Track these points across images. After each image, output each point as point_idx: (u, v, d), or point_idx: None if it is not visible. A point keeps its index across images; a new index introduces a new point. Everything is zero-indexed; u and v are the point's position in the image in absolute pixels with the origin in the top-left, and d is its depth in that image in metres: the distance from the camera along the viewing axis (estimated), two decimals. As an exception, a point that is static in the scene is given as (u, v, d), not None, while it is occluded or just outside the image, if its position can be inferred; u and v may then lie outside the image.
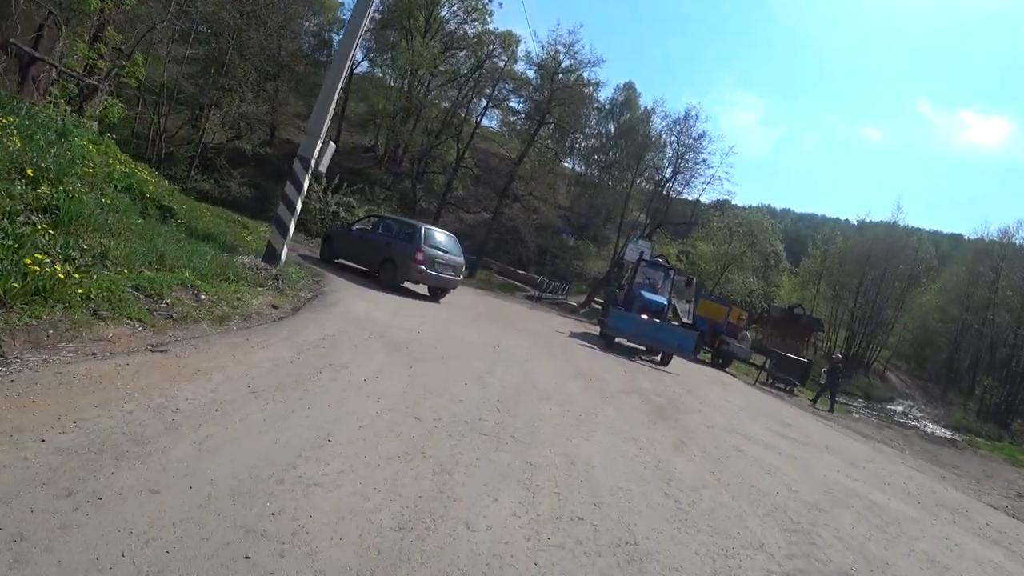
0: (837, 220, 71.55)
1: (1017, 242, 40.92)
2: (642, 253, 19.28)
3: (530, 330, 14.92)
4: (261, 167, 36.80)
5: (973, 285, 40.87)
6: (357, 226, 16.47)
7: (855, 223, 49.71)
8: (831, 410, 20.04)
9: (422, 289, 15.90)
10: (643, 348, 17.35)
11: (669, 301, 17.72)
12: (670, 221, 34.47)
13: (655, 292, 18.07)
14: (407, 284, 15.59)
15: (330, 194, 22.86)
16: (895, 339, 42.30)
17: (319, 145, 11.59)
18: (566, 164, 53.36)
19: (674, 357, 16.54)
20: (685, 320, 17.85)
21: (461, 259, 15.23)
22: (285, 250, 11.55)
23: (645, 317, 16.31)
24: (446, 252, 14.75)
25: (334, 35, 41.87)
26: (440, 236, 15.08)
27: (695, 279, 19.20)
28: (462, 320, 12.77)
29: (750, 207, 36.61)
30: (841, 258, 42.20)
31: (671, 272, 18.86)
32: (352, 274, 15.15)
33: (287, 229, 11.47)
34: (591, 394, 8.68)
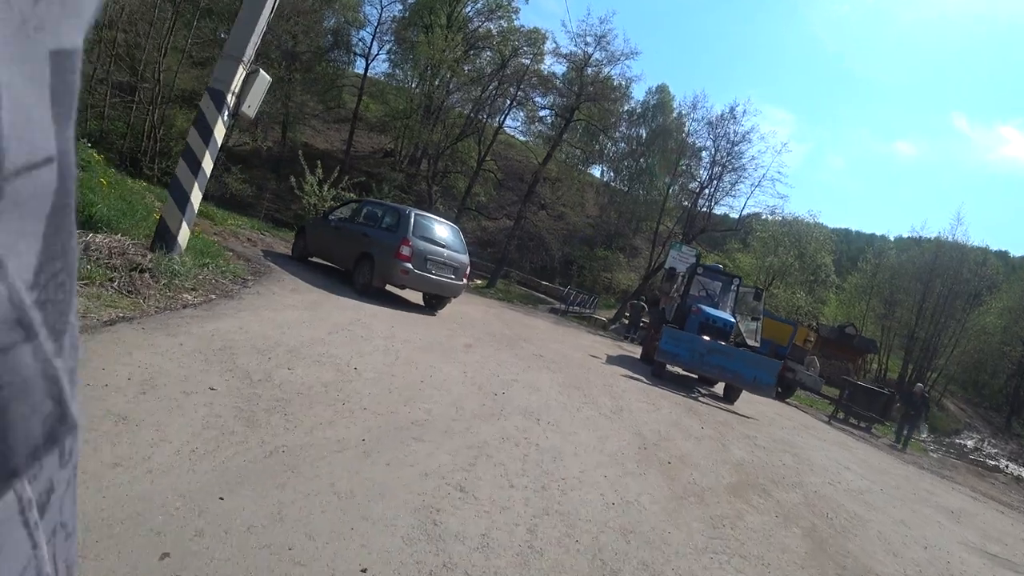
0: (873, 235, 65.66)
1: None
2: (698, 259, 14.57)
3: (556, 356, 10.36)
4: (271, 167, 32.98)
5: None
6: (335, 214, 12.12)
7: (906, 237, 44.19)
8: (903, 446, 15.63)
9: (416, 297, 11.51)
10: (695, 376, 12.74)
11: (735, 319, 13.05)
12: (713, 229, 29.67)
13: (716, 307, 13.43)
14: (394, 290, 11.23)
15: (326, 187, 18.59)
16: (952, 363, 36.70)
17: (240, 72, 7.26)
18: (594, 172, 48.83)
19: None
20: (751, 342, 13.06)
21: (464, 257, 10.77)
22: (184, 231, 7.20)
23: (707, 339, 11.68)
24: (443, 247, 10.33)
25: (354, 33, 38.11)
26: (436, 226, 10.66)
27: (763, 292, 14.34)
28: (456, 343, 8.28)
29: (794, 216, 31.48)
30: (894, 273, 36.84)
31: (736, 282, 14.17)
32: (325, 275, 10.85)
33: (188, 199, 7.13)
34: (688, 511, 4.11)
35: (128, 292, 5.46)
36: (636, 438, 5.79)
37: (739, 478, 5.56)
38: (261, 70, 7.60)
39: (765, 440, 8.51)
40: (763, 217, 29.17)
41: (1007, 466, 26.04)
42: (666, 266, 23.02)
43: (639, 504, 3.82)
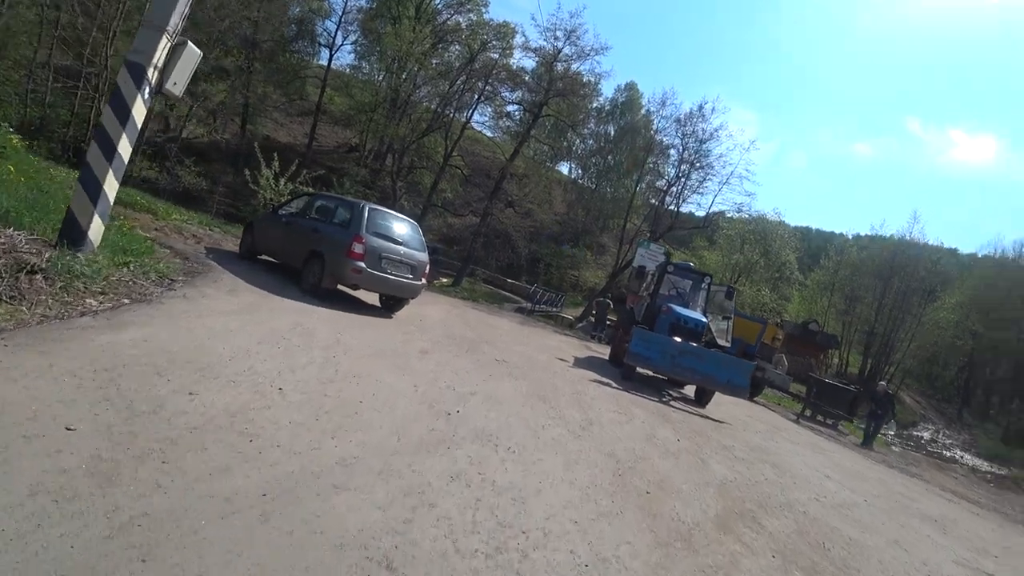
0: (832, 233, 66.63)
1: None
2: (668, 257, 13.99)
3: (521, 361, 9.62)
4: (231, 161, 31.48)
5: (997, 301, 35.94)
6: (286, 209, 11.16)
7: (864, 235, 44.67)
8: (868, 444, 15.19)
9: (373, 299, 10.65)
10: (664, 378, 12.19)
11: (706, 318, 12.49)
12: (680, 227, 29.24)
13: (686, 306, 12.86)
14: (350, 291, 10.36)
15: (283, 181, 17.49)
16: (908, 357, 37.16)
17: (164, 44, 6.31)
18: (562, 170, 48.22)
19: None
20: (722, 342, 12.53)
21: (423, 256, 9.93)
22: (97, 225, 6.23)
23: (678, 340, 11.09)
24: (400, 245, 9.49)
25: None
26: (393, 222, 9.81)
27: (735, 290, 13.82)
28: (411, 349, 7.47)
29: (760, 215, 31.23)
30: (855, 270, 37.11)
31: (707, 280, 13.60)
32: (272, 275, 9.94)
33: (100, 189, 6.15)
34: (677, 564, 3.39)
35: (10, 298, 4.53)
36: (609, 461, 5.07)
37: (725, 504, 4.89)
38: (190, 42, 6.64)
39: (742, 450, 7.91)
40: (729, 215, 28.89)
41: (962, 456, 26.43)
42: (634, 264, 22.49)
43: (618, 562, 3.09)
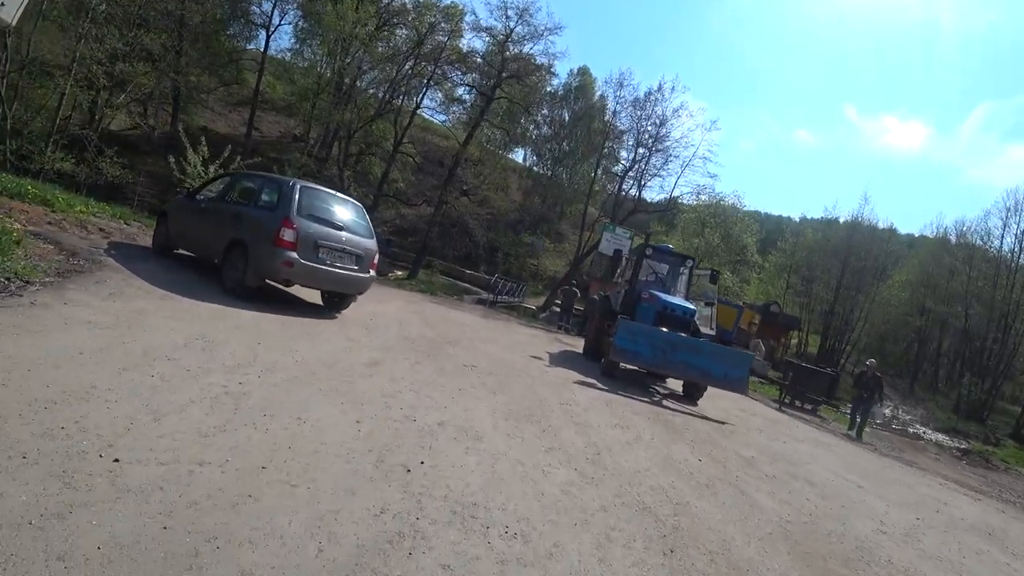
0: (780, 217, 67.10)
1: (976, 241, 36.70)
2: (647, 239, 12.49)
3: (493, 364, 7.94)
4: (164, 153, 28.56)
5: (944, 278, 36.15)
6: (205, 193, 9.14)
7: (815, 218, 44.63)
8: (857, 433, 13.64)
9: (314, 296, 8.80)
10: (647, 372, 10.80)
11: (694, 305, 11.08)
12: (642, 210, 27.96)
13: (667, 292, 11.43)
14: (286, 288, 8.48)
15: (212, 168, 15.25)
16: (862, 335, 37.18)
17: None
18: (516, 158, 46.48)
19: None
20: (706, 330, 11.13)
21: (370, 243, 8.10)
22: None
23: (666, 331, 9.63)
24: (341, 230, 7.65)
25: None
26: (331, 204, 7.95)
27: (719, 273, 12.46)
28: (356, 360, 5.71)
29: (720, 197, 30.16)
30: (811, 252, 36.75)
31: (689, 264, 12.18)
32: (189, 272, 8.04)
33: None
34: None
35: None
36: (646, 521, 3.47)
37: (806, 568, 3.37)
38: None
39: (765, 462, 6.47)
40: (688, 201, 27.71)
41: (924, 432, 26.19)
42: (599, 249, 21.10)
43: None
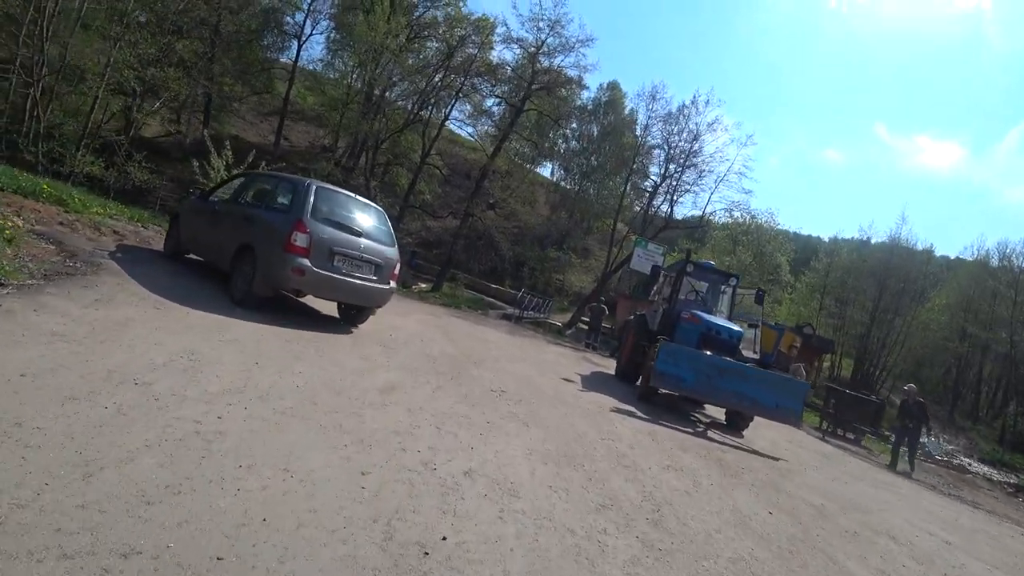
0: (810, 237, 65.11)
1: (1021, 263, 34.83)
2: (688, 255, 11.50)
3: (523, 388, 7.07)
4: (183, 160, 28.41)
5: (987, 301, 34.35)
6: (219, 194, 8.48)
7: (850, 238, 42.84)
8: (909, 465, 12.23)
9: (330, 307, 8.06)
10: (691, 399, 9.78)
11: (740, 327, 10.10)
12: (674, 226, 26.91)
13: (709, 312, 10.47)
14: (303, 299, 7.75)
15: (233, 172, 14.73)
16: (900, 360, 35.39)
17: None
18: (544, 172, 45.74)
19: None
20: (749, 354, 10.13)
21: (392, 251, 7.31)
22: None
23: (709, 354, 8.66)
24: (359, 236, 6.87)
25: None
26: (350, 207, 7.18)
27: (764, 293, 11.43)
28: (368, 385, 4.89)
29: (753, 215, 28.85)
30: (846, 272, 35.18)
31: (733, 282, 11.20)
32: (197, 279, 7.42)
33: None
34: None
35: None
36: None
37: None
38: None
39: (838, 511, 5.49)
40: (724, 217, 26.54)
41: (970, 464, 24.54)
42: (631, 266, 20.15)
43: None
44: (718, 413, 10.17)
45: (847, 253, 37.65)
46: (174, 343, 4.34)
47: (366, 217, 7.23)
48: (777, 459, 7.68)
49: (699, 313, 9.83)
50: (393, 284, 7.32)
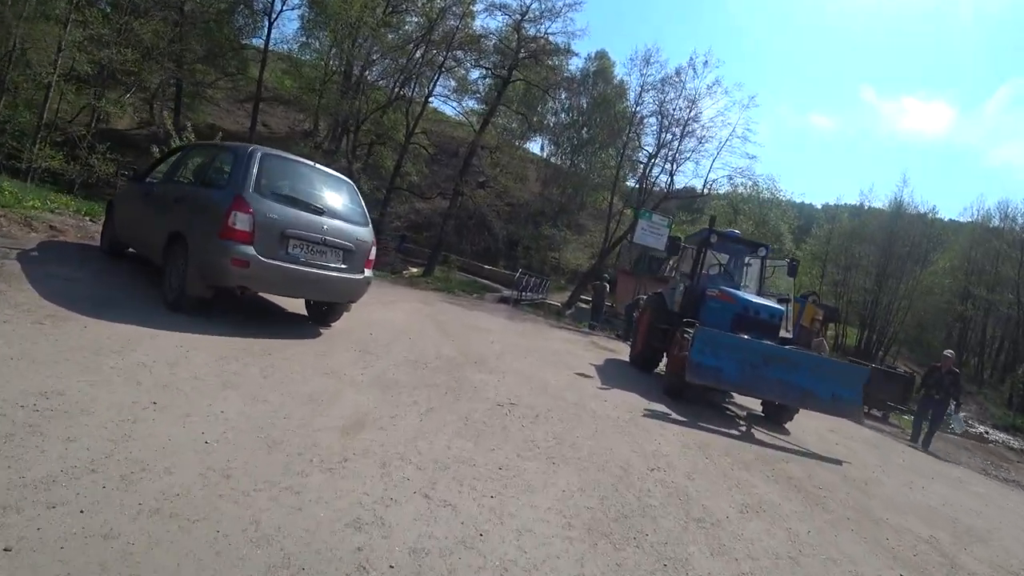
0: (801, 204, 63.62)
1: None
2: (712, 222, 9.91)
3: (535, 395, 5.61)
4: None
5: (990, 263, 33.18)
6: (156, 173, 6.89)
7: (851, 204, 41.28)
8: (923, 444, 10.70)
9: (298, 304, 6.58)
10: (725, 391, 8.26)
11: (782, 305, 8.66)
12: (675, 196, 25.34)
13: (737, 288, 9.02)
14: (268, 294, 6.21)
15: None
16: (904, 326, 34.24)
17: None
18: (534, 148, 43.89)
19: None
20: (783, 333, 8.69)
21: (363, 232, 5.75)
22: None
23: (751, 339, 7.25)
24: (321, 215, 5.32)
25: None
26: (307, 179, 5.61)
27: (797, 263, 9.95)
28: (331, 415, 3.41)
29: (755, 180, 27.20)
30: (849, 238, 33.83)
31: (763, 252, 9.72)
32: (129, 280, 5.89)
33: None
34: None
35: None
36: None
37: None
38: None
39: (961, 551, 4.11)
40: (725, 184, 25.00)
41: (987, 432, 23.50)
42: (634, 239, 18.67)
43: None
44: (745, 400, 8.79)
45: (848, 218, 36.23)
46: (34, 378, 2.85)
47: (330, 192, 5.68)
48: (840, 462, 6.31)
49: (730, 290, 8.38)
50: (368, 273, 5.80)
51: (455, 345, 7.28)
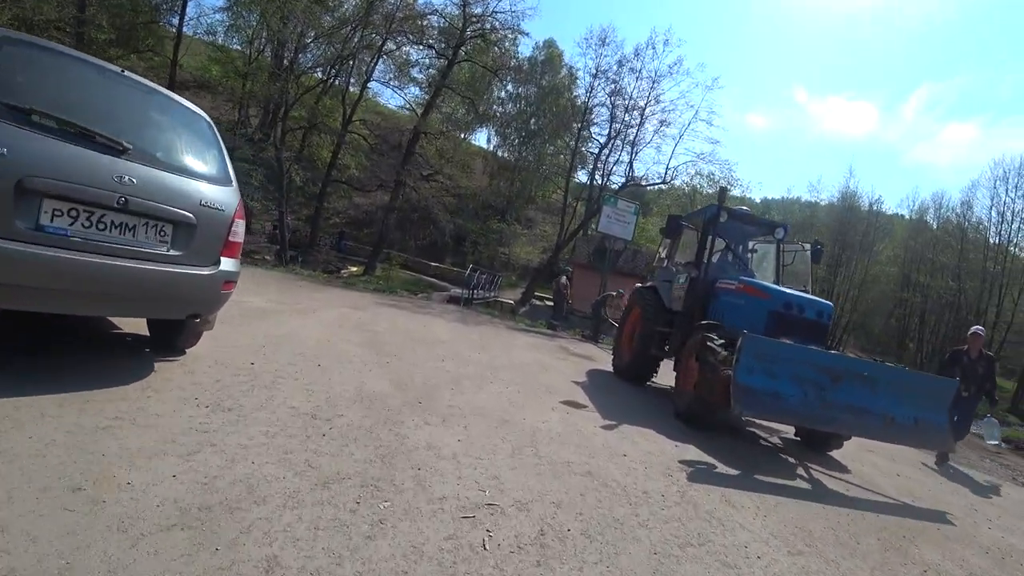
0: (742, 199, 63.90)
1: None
2: (722, 197, 7.73)
3: (518, 468, 3.28)
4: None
5: (929, 251, 33.12)
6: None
7: (794, 199, 40.95)
8: (938, 458, 7.12)
9: (136, 322, 3.97)
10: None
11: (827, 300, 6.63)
12: (636, 183, 23.42)
13: (753, 277, 6.93)
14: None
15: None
16: (854, 314, 33.95)
17: None
18: (480, 141, 41.43)
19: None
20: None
21: (218, 194, 3.27)
22: None
23: (813, 348, 5.14)
24: (119, 154, 2.74)
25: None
26: (94, 92, 2.98)
27: (822, 248, 7.87)
28: None
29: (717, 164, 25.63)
30: (800, 231, 33.22)
31: (781, 234, 7.66)
32: None
33: None
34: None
35: None
36: None
37: None
38: None
39: None
40: (687, 172, 23.35)
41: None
42: (599, 228, 16.57)
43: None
44: (772, 423, 6.70)
45: (799, 211, 35.64)
46: None
47: (148, 119, 3.14)
48: (945, 516, 4.27)
49: (760, 282, 6.29)
50: (229, 265, 3.30)
51: (389, 371, 4.85)
